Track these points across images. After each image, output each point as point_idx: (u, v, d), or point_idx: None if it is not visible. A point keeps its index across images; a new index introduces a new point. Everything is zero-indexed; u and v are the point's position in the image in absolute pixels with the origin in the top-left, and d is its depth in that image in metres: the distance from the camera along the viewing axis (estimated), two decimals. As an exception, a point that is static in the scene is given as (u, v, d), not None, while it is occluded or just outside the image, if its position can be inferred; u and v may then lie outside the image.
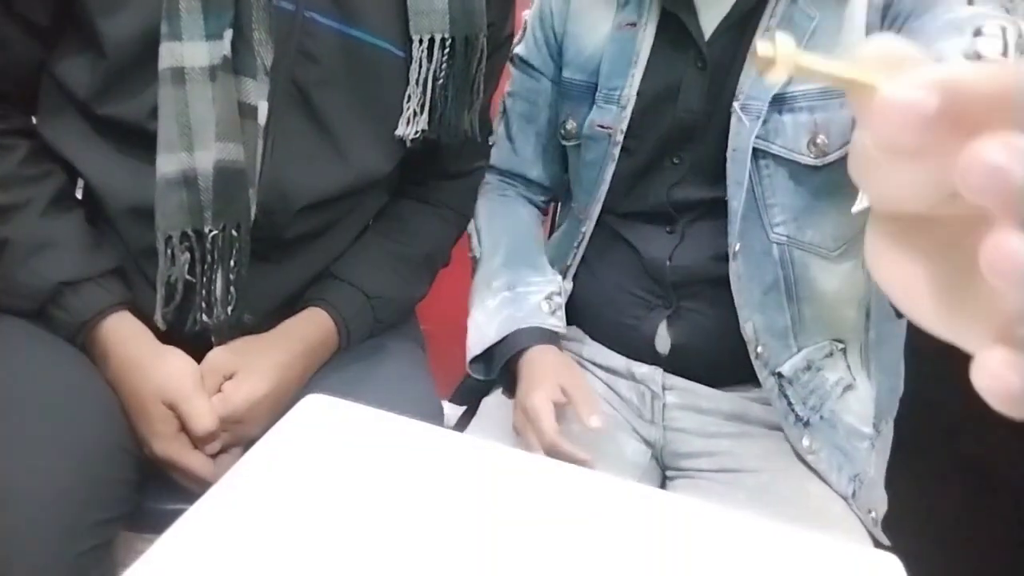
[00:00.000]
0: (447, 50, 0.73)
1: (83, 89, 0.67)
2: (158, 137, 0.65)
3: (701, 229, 0.78)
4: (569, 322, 0.90)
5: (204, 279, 0.69)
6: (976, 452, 1.28)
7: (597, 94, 0.80)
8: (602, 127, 0.79)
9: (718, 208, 0.76)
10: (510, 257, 0.87)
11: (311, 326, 0.76)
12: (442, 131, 0.77)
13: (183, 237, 0.67)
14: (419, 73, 0.74)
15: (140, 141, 0.67)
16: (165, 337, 0.71)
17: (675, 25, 0.75)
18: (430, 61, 0.73)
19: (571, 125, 0.84)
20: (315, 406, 0.47)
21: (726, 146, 0.74)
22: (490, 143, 0.92)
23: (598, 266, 0.86)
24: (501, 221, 0.91)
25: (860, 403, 0.80)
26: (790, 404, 0.77)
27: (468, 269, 0.94)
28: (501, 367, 0.81)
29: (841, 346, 0.79)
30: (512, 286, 0.84)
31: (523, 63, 0.89)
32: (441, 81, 0.75)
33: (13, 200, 0.68)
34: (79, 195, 0.74)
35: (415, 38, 0.73)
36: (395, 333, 0.85)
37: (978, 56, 0.57)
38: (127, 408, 0.69)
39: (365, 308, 0.79)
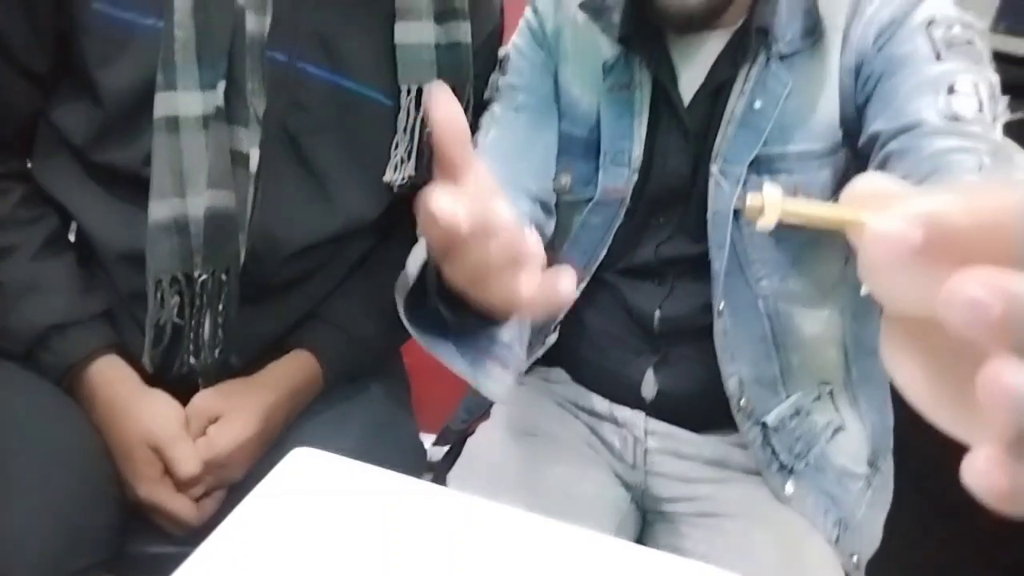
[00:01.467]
0: None
1: (79, 136, 0.69)
2: (151, 183, 0.67)
3: (689, 282, 0.79)
4: (553, 364, 0.91)
5: (192, 322, 0.70)
6: (960, 494, 1.30)
7: (603, 157, 0.78)
8: (615, 191, 0.77)
9: (705, 263, 0.76)
10: None
11: (296, 369, 0.77)
12: (429, 176, 0.79)
13: (173, 281, 0.68)
14: (407, 121, 0.76)
15: (133, 187, 0.68)
16: (152, 378, 0.72)
17: (660, 89, 0.76)
18: (417, 110, 0.75)
19: (565, 180, 0.80)
20: (302, 459, 0.48)
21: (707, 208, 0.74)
22: None
23: (585, 313, 0.85)
24: None
25: (852, 443, 0.80)
26: (774, 452, 0.78)
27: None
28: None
29: (828, 388, 0.80)
30: None
31: (512, 93, 0.80)
32: (428, 128, 0.76)
33: (6, 243, 0.69)
34: (71, 238, 0.75)
35: (403, 88, 0.75)
36: (379, 373, 0.86)
37: (955, 117, 0.57)
38: (113, 451, 0.69)
39: (349, 350, 0.80)
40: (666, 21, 0.70)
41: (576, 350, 0.88)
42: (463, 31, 0.76)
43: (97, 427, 0.70)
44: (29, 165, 0.74)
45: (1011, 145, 0.54)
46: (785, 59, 0.70)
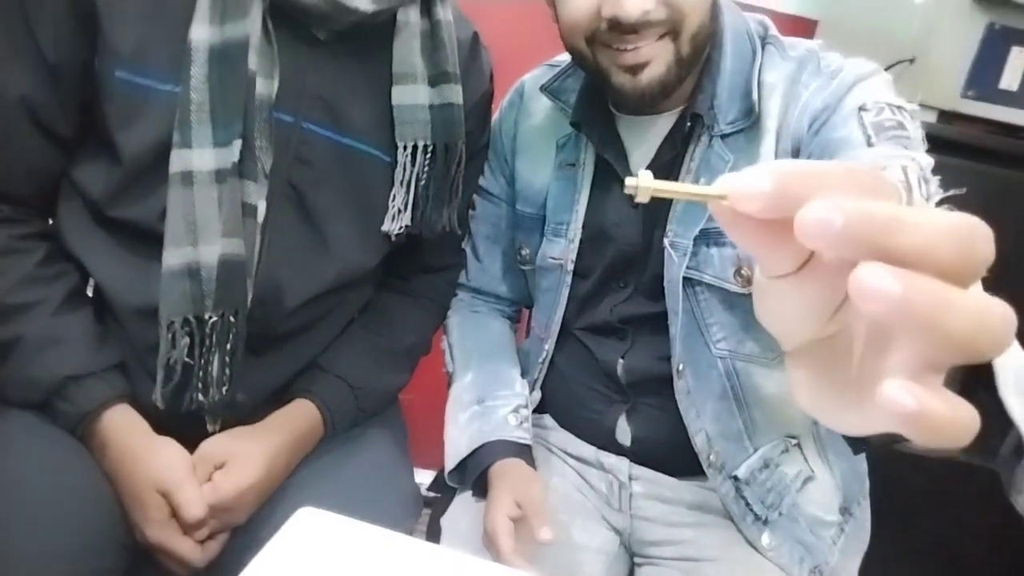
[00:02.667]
0: (429, 155, 0.81)
1: (97, 192, 0.73)
2: (165, 233, 0.71)
3: (648, 336, 0.84)
4: (542, 411, 0.95)
5: (202, 361, 0.73)
6: (940, 531, 1.33)
7: (546, 227, 0.87)
8: (553, 258, 0.87)
9: (663, 320, 0.81)
10: (479, 373, 0.92)
11: (298, 417, 0.81)
12: (424, 227, 0.84)
13: (184, 323, 0.72)
14: (403, 175, 0.80)
15: (148, 242, 0.72)
16: (160, 425, 0.75)
17: (609, 165, 0.82)
18: (413, 165, 0.80)
19: (526, 252, 0.92)
20: (307, 519, 0.51)
21: (663, 272, 0.79)
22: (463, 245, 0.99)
23: (563, 367, 0.92)
24: (472, 337, 0.97)
25: (822, 492, 0.83)
26: (748, 505, 0.81)
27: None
28: (474, 478, 0.86)
29: (795, 441, 0.83)
30: (481, 400, 0.89)
31: (484, 191, 0.96)
32: (423, 182, 0.81)
33: (29, 299, 0.73)
34: (89, 292, 0.79)
35: (400, 145, 0.80)
36: (377, 420, 0.89)
37: None
38: (122, 495, 0.72)
39: (350, 398, 0.84)
40: (621, 100, 0.76)
41: (559, 398, 0.93)
42: (455, 93, 0.81)
43: (108, 473, 0.73)
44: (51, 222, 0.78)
45: None
46: (726, 138, 0.76)
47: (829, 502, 0.83)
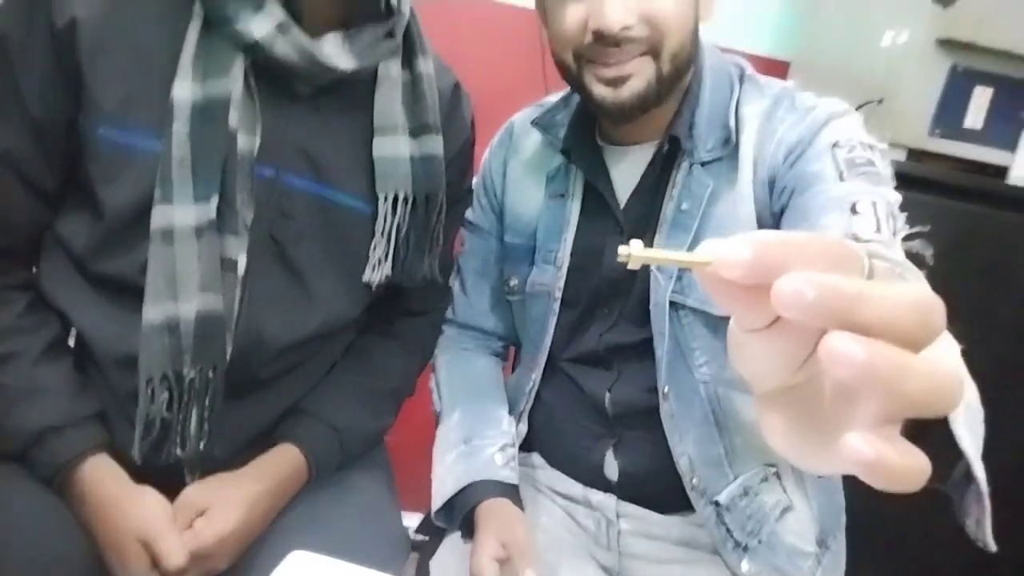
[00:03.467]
0: (409, 206, 0.81)
1: (80, 245, 0.73)
2: (146, 288, 0.70)
3: (634, 366, 0.85)
4: (530, 449, 0.95)
5: (180, 416, 0.73)
6: (921, 563, 1.33)
7: (536, 255, 0.89)
8: (542, 285, 0.88)
9: (648, 349, 0.82)
10: (466, 412, 0.92)
11: (281, 462, 0.80)
12: (404, 276, 0.84)
13: (163, 378, 0.71)
14: (384, 226, 0.81)
15: (130, 295, 0.72)
16: (138, 474, 0.74)
17: (596, 195, 0.84)
18: (394, 215, 0.81)
19: (514, 282, 0.93)
20: (299, 563, 0.51)
21: (648, 298, 0.81)
22: (450, 284, 1.00)
23: (550, 402, 0.92)
24: (460, 376, 0.97)
25: (800, 523, 0.84)
26: (728, 531, 0.81)
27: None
28: (460, 518, 0.85)
29: (774, 470, 0.84)
30: (468, 439, 0.89)
31: (473, 226, 0.98)
32: (404, 232, 0.82)
33: (9, 349, 0.72)
34: (71, 342, 0.78)
35: (381, 196, 0.80)
36: (362, 462, 0.89)
37: (855, 237, 0.63)
38: (102, 546, 0.71)
39: (334, 442, 0.83)
40: (603, 113, 0.79)
41: (546, 436, 0.93)
42: (436, 144, 0.82)
43: (86, 524, 0.71)
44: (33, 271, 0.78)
45: (906, 265, 0.60)
46: (706, 165, 0.79)
47: (806, 532, 0.83)
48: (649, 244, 0.81)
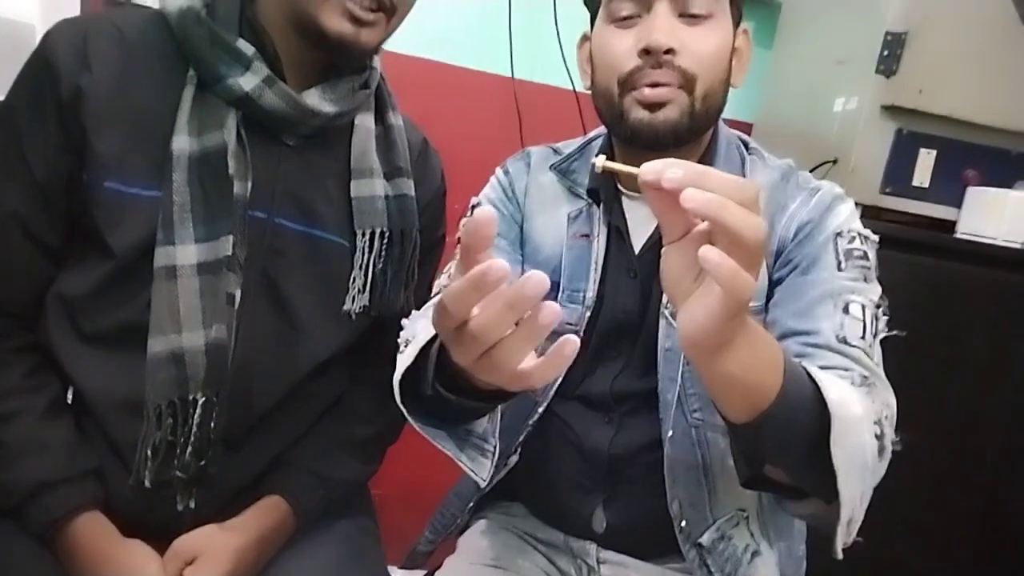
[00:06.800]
0: (385, 241, 0.87)
1: (81, 297, 0.76)
2: (150, 323, 0.74)
3: (635, 419, 0.87)
4: (512, 499, 0.97)
5: (182, 440, 0.76)
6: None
7: (560, 294, 0.89)
8: (570, 324, 0.89)
9: (651, 399, 0.85)
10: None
11: (268, 513, 0.82)
12: (382, 307, 0.89)
13: (169, 404, 0.75)
14: (362, 259, 0.86)
15: (131, 339, 0.75)
16: (131, 522, 0.76)
17: (615, 239, 0.89)
18: (371, 250, 0.87)
19: None
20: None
21: (655, 344, 0.85)
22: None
23: (540, 452, 0.92)
24: None
25: (767, 568, 0.86)
26: (710, 572, 0.84)
27: (418, 437, 1.00)
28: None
29: (744, 514, 0.87)
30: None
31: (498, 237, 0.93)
32: (380, 266, 0.88)
33: (12, 408, 0.75)
34: (68, 398, 0.80)
35: (359, 232, 0.86)
36: (348, 510, 0.91)
37: (844, 340, 0.70)
38: None
39: (319, 491, 0.86)
40: (637, 137, 0.82)
41: (533, 488, 0.95)
42: (408, 186, 0.89)
43: None
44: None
45: (878, 374, 0.70)
46: None
47: None
48: (659, 288, 0.84)
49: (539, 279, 0.46)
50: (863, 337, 0.71)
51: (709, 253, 0.45)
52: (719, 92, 0.82)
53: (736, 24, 0.83)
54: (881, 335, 0.72)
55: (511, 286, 0.47)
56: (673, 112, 0.79)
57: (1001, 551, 1.32)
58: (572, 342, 0.49)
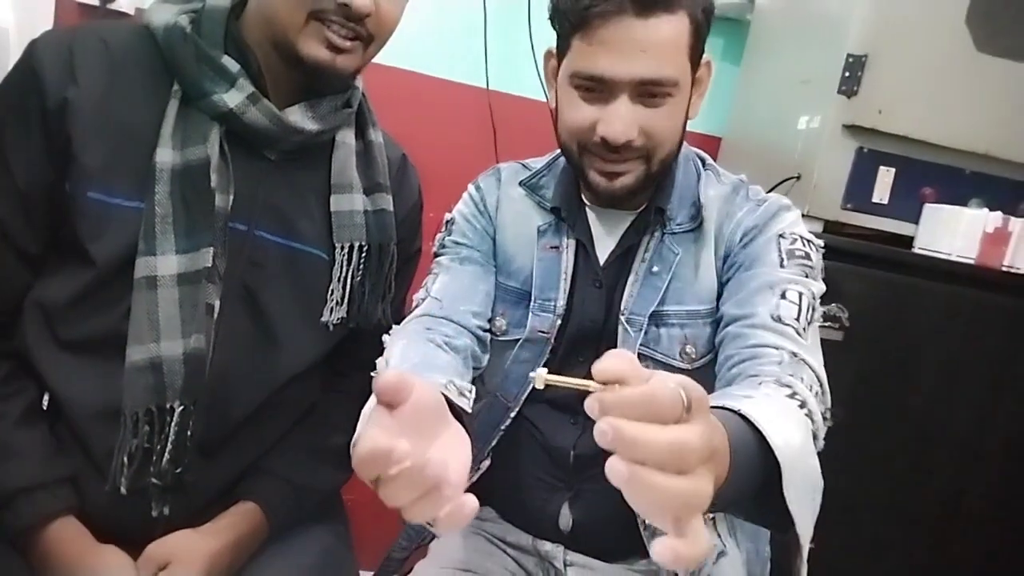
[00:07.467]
0: (364, 255, 0.89)
1: (61, 305, 0.77)
2: (129, 332, 0.75)
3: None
4: (483, 503, 0.99)
5: (159, 447, 0.77)
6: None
7: (532, 304, 0.93)
8: (542, 332, 0.92)
9: None
10: (407, 353, 0.80)
11: (241, 518, 0.83)
12: (360, 319, 0.91)
13: (147, 412, 0.76)
14: (340, 272, 0.88)
15: (109, 347, 0.76)
16: (105, 528, 0.76)
17: (581, 251, 0.93)
18: (350, 263, 0.88)
19: (501, 322, 0.94)
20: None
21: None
22: None
23: (509, 455, 0.95)
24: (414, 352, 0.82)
25: (733, 568, 0.89)
26: (675, 571, 0.87)
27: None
28: None
29: (711, 515, 0.90)
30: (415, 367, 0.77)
31: (457, 248, 0.95)
32: (359, 279, 0.89)
33: None
34: (43, 405, 0.81)
35: (338, 245, 0.88)
36: (321, 517, 0.92)
37: (779, 318, 0.76)
38: None
39: (292, 498, 0.87)
40: (596, 197, 0.90)
41: (503, 489, 0.97)
42: (387, 201, 0.92)
43: None
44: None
45: (807, 348, 0.75)
46: (675, 235, 0.90)
47: None
48: (620, 297, 0.89)
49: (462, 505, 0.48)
50: (797, 319, 0.76)
51: (616, 464, 0.43)
52: (677, 146, 0.87)
53: (696, 64, 0.84)
54: (816, 323, 0.77)
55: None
56: (630, 180, 0.84)
57: (961, 559, 1.36)
58: (471, 504, 0.48)
